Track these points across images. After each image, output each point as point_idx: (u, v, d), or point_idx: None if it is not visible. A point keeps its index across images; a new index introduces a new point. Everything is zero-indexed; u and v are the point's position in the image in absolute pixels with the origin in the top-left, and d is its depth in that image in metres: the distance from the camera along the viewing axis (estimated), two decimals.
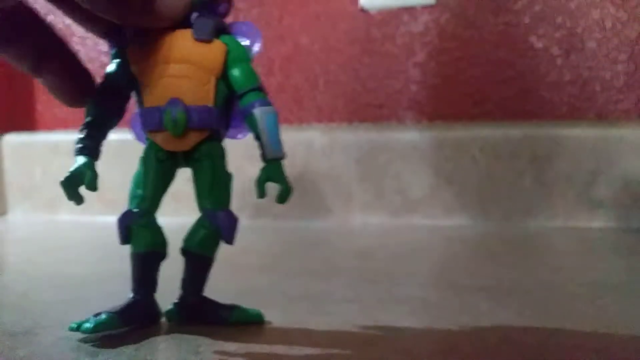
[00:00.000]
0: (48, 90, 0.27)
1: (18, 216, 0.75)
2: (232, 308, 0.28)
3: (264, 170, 0.26)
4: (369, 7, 0.66)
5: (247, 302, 0.28)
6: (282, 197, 0.26)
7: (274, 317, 0.28)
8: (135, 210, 0.26)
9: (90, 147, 0.26)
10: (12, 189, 0.76)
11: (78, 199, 0.25)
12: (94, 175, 0.26)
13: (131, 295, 0.27)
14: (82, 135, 0.26)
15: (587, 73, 0.61)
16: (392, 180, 0.64)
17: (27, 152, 0.75)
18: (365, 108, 0.67)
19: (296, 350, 0.24)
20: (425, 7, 0.64)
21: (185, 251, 0.27)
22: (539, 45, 0.62)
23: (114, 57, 0.26)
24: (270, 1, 0.69)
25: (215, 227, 0.26)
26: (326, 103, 0.69)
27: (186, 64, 0.25)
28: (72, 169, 0.26)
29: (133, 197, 0.26)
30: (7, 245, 0.60)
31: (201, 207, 0.27)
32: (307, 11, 0.68)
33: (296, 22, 0.69)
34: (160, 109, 0.25)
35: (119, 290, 0.34)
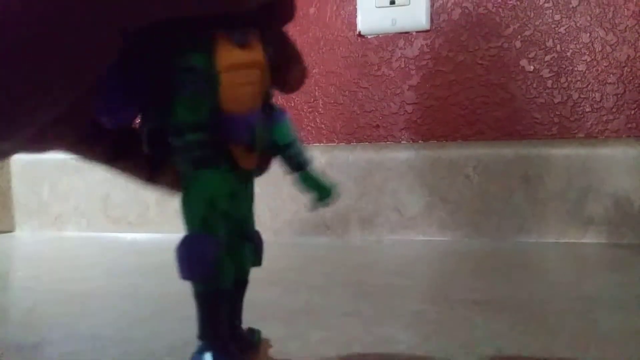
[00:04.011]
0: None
1: (26, 233, 0.75)
2: (252, 330, 0.26)
3: (314, 176, 0.23)
4: (366, 33, 0.68)
5: (249, 317, 0.28)
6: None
7: (275, 331, 0.28)
8: (218, 236, 0.21)
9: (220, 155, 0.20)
10: (20, 206, 0.77)
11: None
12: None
13: (208, 344, 0.21)
14: (201, 139, 0.19)
15: (577, 95, 0.62)
16: (388, 198, 0.65)
17: (35, 170, 0.76)
18: (363, 129, 0.69)
19: None
20: (420, 32, 0.66)
21: (240, 282, 0.23)
22: (530, 68, 0.63)
23: (197, 47, 0.19)
24: None
25: (257, 250, 0.24)
26: (325, 124, 0.70)
27: (258, 69, 0.20)
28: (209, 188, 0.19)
29: (210, 217, 0.20)
30: (15, 262, 0.60)
31: (247, 229, 0.23)
32: (307, 36, 0.70)
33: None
34: (247, 119, 0.20)
35: (125, 306, 0.35)
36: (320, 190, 0.24)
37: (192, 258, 0.20)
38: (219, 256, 0.20)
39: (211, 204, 0.18)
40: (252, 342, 0.25)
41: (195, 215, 0.18)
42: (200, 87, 0.19)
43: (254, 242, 0.23)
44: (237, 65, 0.20)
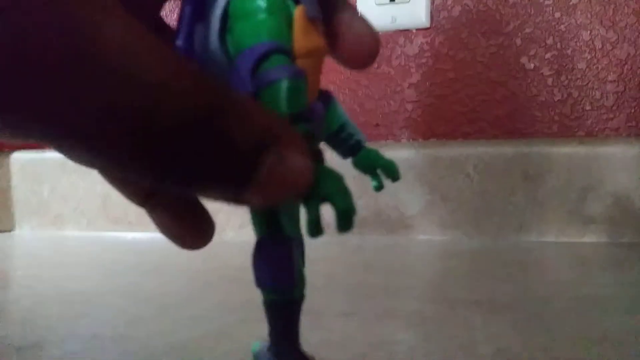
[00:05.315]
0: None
1: (25, 232, 0.76)
2: None
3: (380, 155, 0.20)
4: None
5: (249, 317, 0.29)
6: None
7: None
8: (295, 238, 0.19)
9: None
10: (20, 206, 0.77)
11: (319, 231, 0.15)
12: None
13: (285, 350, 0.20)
14: (306, 130, 0.16)
15: (577, 92, 0.62)
16: (388, 197, 0.65)
17: (35, 169, 0.76)
18: (363, 127, 0.69)
19: None
20: (420, 30, 0.66)
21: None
22: (530, 65, 0.63)
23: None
24: None
25: (302, 253, 0.21)
26: None
27: (322, 56, 0.18)
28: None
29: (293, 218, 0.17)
30: (14, 261, 0.60)
31: (299, 233, 0.20)
32: None
33: None
34: (314, 110, 0.18)
35: (124, 305, 0.35)
36: (387, 167, 0.21)
37: (279, 264, 0.17)
38: (298, 261, 0.18)
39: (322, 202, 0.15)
40: None
41: (294, 218, 0.15)
42: (299, 73, 0.16)
43: (301, 244, 0.20)
44: (311, 51, 0.17)
